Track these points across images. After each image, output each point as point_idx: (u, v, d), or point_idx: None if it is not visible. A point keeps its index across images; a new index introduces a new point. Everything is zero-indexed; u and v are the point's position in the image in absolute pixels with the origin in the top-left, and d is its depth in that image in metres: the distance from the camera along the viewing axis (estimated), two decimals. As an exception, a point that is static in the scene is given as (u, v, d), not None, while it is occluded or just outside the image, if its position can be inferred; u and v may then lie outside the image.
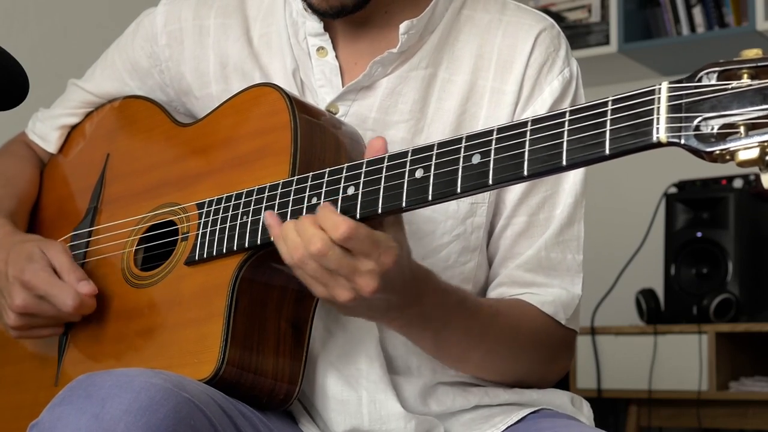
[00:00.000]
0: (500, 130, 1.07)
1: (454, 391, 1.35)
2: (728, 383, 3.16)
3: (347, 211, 1.15)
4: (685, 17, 3.67)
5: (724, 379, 3.15)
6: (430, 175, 1.10)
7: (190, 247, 1.31)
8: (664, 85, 0.96)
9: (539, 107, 1.36)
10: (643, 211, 3.53)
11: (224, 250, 1.25)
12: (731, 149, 0.90)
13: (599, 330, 3.32)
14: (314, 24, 1.39)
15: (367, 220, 1.15)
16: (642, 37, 3.73)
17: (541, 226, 1.38)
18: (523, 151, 1.04)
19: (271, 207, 1.21)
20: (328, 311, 1.31)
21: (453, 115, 1.37)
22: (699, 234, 3.34)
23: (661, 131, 0.95)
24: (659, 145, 0.95)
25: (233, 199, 1.27)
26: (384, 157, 1.15)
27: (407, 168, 1.12)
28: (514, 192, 1.37)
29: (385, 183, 1.13)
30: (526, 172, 1.04)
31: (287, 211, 1.20)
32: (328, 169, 1.18)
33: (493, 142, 1.06)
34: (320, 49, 1.39)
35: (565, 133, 1.01)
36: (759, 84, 0.90)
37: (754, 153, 0.89)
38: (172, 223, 1.36)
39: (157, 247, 1.38)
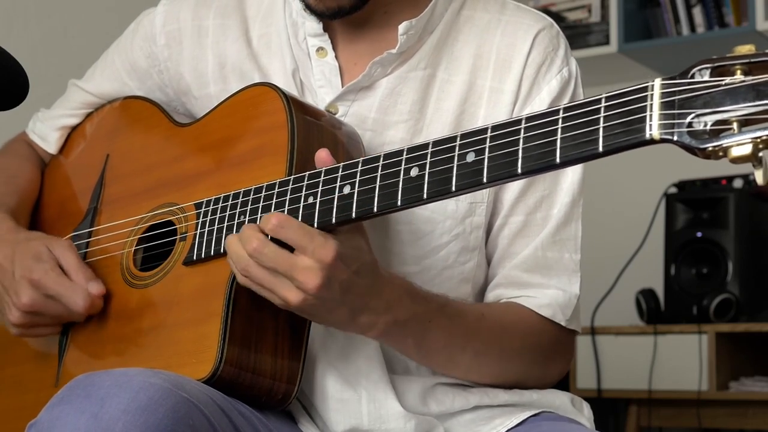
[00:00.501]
0: (494, 128, 1.07)
1: (454, 391, 1.35)
2: (728, 383, 3.16)
3: (344, 209, 1.15)
4: (685, 17, 3.67)
5: (724, 379, 3.15)
6: (425, 174, 1.10)
7: (188, 247, 1.31)
8: (657, 82, 0.96)
9: (537, 107, 1.36)
10: (643, 211, 3.53)
11: (222, 250, 1.25)
12: (724, 146, 0.90)
13: (599, 330, 3.32)
14: (314, 24, 1.39)
15: (361, 221, 1.16)
16: (642, 37, 3.73)
17: (538, 225, 1.38)
18: (517, 149, 1.04)
19: (268, 207, 1.22)
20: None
21: (452, 115, 1.37)
22: (699, 234, 3.34)
23: (654, 128, 0.94)
24: (652, 142, 0.95)
25: (230, 198, 1.27)
26: (380, 156, 1.15)
27: (402, 167, 1.12)
28: (511, 191, 1.37)
29: (380, 182, 1.13)
30: (520, 170, 1.04)
31: (284, 210, 1.20)
32: (324, 168, 1.19)
33: (488, 140, 1.06)
34: (320, 49, 1.39)
35: (559, 130, 1.01)
36: (752, 80, 0.90)
37: (746, 149, 0.89)
38: (170, 223, 1.36)
39: (156, 247, 1.38)
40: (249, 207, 1.24)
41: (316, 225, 1.17)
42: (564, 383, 3.11)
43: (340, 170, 1.17)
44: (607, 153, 0.98)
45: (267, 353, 1.25)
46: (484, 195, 1.36)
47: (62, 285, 1.35)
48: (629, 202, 3.81)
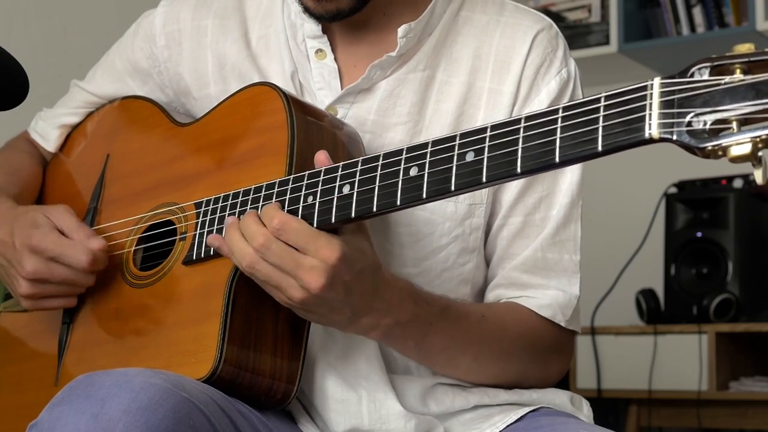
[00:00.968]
0: (494, 127, 1.07)
1: (454, 391, 1.35)
2: (728, 383, 3.16)
3: (343, 209, 1.15)
4: (685, 17, 3.67)
5: (724, 379, 3.15)
6: (424, 173, 1.10)
7: (188, 246, 1.31)
8: (657, 81, 0.96)
9: (536, 108, 1.34)
10: (643, 211, 3.53)
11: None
12: (723, 145, 0.90)
13: (599, 330, 3.32)
14: (312, 26, 1.39)
15: (360, 220, 1.17)
16: (642, 37, 3.73)
17: (538, 226, 1.38)
18: (517, 149, 1.04)
19: (268, 206, 1.22)
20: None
21: (451, 116, 1.37)
22: (699, 234, 3.34)
23: (653, 127, 0.94)
24: (651, 141, 0.95)
25: (230, 198, 1.27)
26: (379, 156, 1.15)
27: (402, 166, 1.12)
28: (510, 192, 1.37)
29: (380, 181, 1.14)
30: (519, 169, 1.04)
31: (284, 211, 1.20)
32: (323, 167, 1.19)
33: (487, 139, 1.06)
34: (319, 51, 1.39)
35: (558, 130, 1.01)
36: (751, 79, 0.90)
37: (746, 148, 0.89)
38: (170, 222, 1.36)
39: (156, 247, 1.38)
40: (249, 207, 1.24)
41: (315, 225, 1.17)
42: (564, 383, 3.10)
43: (340, 170, 1.17)
44: (606, 152, 0.98)
45: (266, 353, 1.25)
46: (483, 196, 1.36)
47: (62, 244, 1.34)
48: (629, 202, 3.81)
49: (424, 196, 1.10)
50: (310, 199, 1.18)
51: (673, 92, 0.94)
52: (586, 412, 1.41)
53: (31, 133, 1.63)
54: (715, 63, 0.92)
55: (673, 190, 3.46)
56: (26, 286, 1.36)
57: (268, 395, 1.26)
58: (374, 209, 1.13)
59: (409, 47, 1.37)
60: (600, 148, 0.98)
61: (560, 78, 1.39)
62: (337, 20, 1.35)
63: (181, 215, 1.34)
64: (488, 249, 1.40)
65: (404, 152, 1.13)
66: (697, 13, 3.65)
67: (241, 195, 1.26)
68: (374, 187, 1.14)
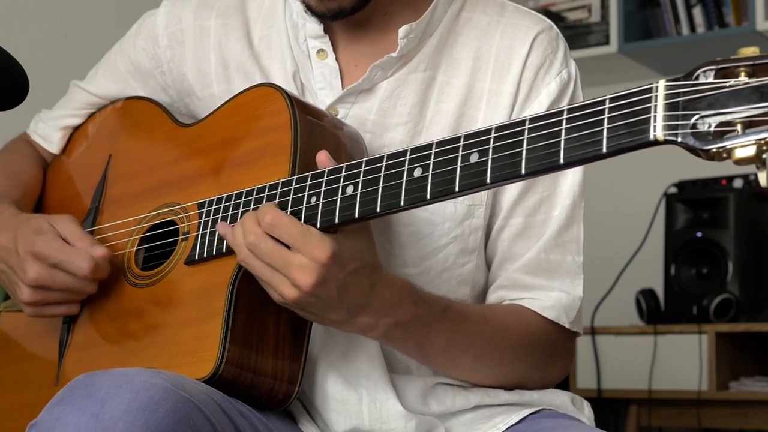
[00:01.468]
0: (498, 129, 1.07)
1: (455, 391, 1.35)
2: (728, 383, 3.16)
3: (346, 210, 1.15)
4: (685, 17, 3.67)
5: (724, 379, 3.15)
6: (428, 175, 1.10)
7: (190, 246, 1.31)
8: (662, 84, 0.96)
9: (536, 109, 1.36)
10: (643, 211, 3.53)
11: (224, 250, 1.26)
12: (728, 147, 0.90)
13: (599, 330, 3.33)
14: (314, 26, 1.39)
15: (363, 221, 1.17)
16: (642, 37, 3.73)
17: (539, 227, 1.37)
18: (521, 150, 1.04)
19: (271, 207, 1.22)
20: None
21: (451, 117, 1.37)
22: (699, 234, 3.34)
23: (658, 129, 0.94)
24: (656, 143, 0.95)
25: (233, 198, 1.27)
26: (383, 156, 1.15)
27: (406, 167, 1.12)
28: (510, 193, 1.37)
29: (383, 182, 1.14)
30: (523, 171, 1.03)
31: (287, 211, 1.20)
32: (327, 168, 1.19)
33: (491, 141, 1.06)
34: (320, 51, 1.39)
35: (563, 131, 1.01)
36: (756, 82, 0.90)
37: (750, 151, 0.89)
38: (172, 222, 1.36)
39: (158, 247, 1.38)
40: (251, 207, 1.24)
41: (318, 225, 1.17)
42: (564, 383, 3.10)
43: (344, 170, 1.17)
44: (611, 154, 0.98)
45: (268, 353, 1.25)
46: (483, 197, 1.36)
47: (64, 251, 1.34)
48: (629, 202, 3.81)
49: (428, 197, 1.10)
50: (313, 199, 1.18)
51: (678, 94, 0.94)
52: (587, 413, 1.41)
53: (32, 135, 1.63)
54: (720, 66, 0.93)
55: (673, 190, 3.47)
56: (28, 292, 1.36)
57: (269, 396, 1.26)
58: (378, 210, 1.13)
59: (410, 48, 1.37)
60: (605, 150, 0.98)
61: (560, 79, 1.39)
62: (339, 18, 1.35)
63: (183, 215, 1.34)
64: (489, 250, 1.40)
65: (408, 153, 1.13)
66: (697, 13, 3.65)
67: (244, 195, 1.26)
68: (378, 188, 1.14)
